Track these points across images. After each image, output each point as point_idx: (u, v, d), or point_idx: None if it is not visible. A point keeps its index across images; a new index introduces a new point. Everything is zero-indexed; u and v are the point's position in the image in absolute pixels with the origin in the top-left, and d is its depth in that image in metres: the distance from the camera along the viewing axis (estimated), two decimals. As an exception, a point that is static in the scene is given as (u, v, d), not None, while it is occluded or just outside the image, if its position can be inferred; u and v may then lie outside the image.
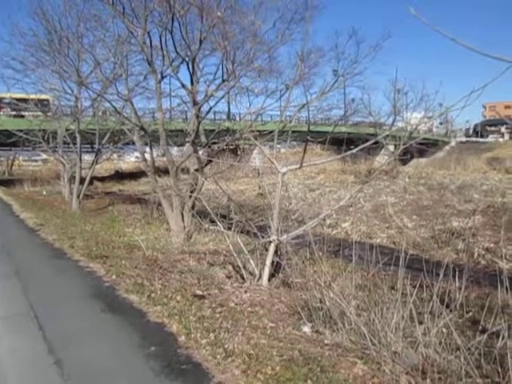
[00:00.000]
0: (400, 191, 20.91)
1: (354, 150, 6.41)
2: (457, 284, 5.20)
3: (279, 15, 9.65)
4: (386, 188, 21.51)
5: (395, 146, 29.51)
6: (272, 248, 6.73)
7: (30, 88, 18.73)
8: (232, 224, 8.14)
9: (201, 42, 8.88)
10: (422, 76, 56.14)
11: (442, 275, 4.66)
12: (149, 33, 9.49)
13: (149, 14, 9.33)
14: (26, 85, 18.42)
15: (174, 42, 9.24)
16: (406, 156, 29.50)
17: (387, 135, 28.84)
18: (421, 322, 4.24)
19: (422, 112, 32.79)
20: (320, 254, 7.08)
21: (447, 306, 4.58)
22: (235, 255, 7.26)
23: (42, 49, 13.91)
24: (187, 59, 9.39)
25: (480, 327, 4.23)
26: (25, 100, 22.35)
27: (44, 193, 25.61)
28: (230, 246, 7.56)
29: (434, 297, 4.35)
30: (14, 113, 28.15)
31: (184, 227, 10.41)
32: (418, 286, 4.74)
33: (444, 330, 4.20)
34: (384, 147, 33.84)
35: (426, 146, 40.37)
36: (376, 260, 6.67)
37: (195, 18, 9.28)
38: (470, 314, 5.31)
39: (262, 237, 7.08)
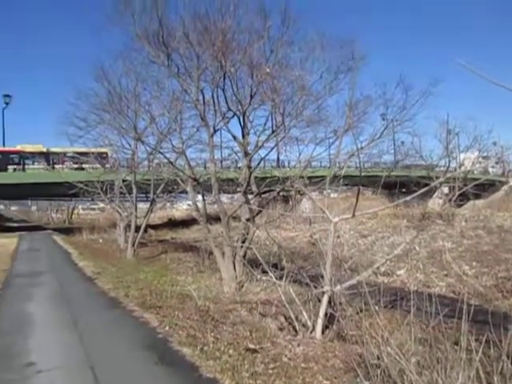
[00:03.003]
0: (457, 236, 19.92)
1: (408, 198, 6.29)
2: (529, 340, 4.81)
3: (326, 67, 9.89)
4: (442, 232, 20.57)
5: (449, 188, 28.50)
6: (325, 299, 6.58)
7: (90, 143, 20.13)
8: (283, 273, 8.06)
9: (251, 97, 9.26)
10: (473, 116, 54.45)
11: (511, 330, 4.32)
12: (202, 90, 10.06)
13: (201, 72, 9.92)
14: (88, 140, 19.82)
15: (225, 97, 9.71)
16: (462, 200, 28.34)
17: (440, 177, 27.97)
18: (490, 384, 3.93)
19: (475, 152, 31.74)
20: (375, 305, 6.84)
21: (519, 366, 4.23)
22: (287, 306, 7.14)
23: (103, 108, 15.04)
24: (238, 113, 9.79)
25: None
26: (85, 153, 23.97)
27: (100, 241, 26.71)
28: (282, 296, 7.47)
29: (504, 356, 4.03)
30: (75, 166, 30.16)
31: (235, 276, 10.43)
32: (484, 341, 4.42)
33: (517, 393, 3.87)
34: (437, 190, 32.79)
35: (483, 187, 38.63)
36: (436, 311, 6.34)
37: (245, 75, 9.75)
38: (547, 375, 4.85)
39: (315, 287, 6.96)
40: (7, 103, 37.16)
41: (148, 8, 10.23)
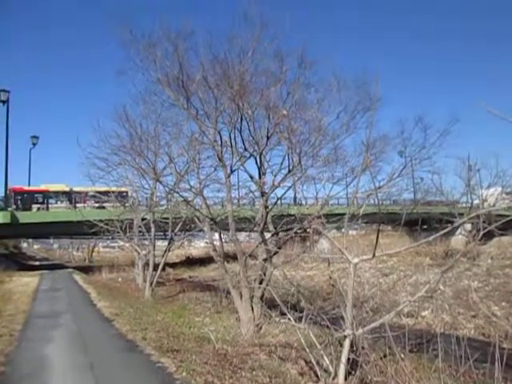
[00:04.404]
0: (483, 274, 19.33)
1: (431, 238, 6.11)
2: None
3: (342, 107, 10.00)
4: (467, 271, 19.99)
5: (472, 224, 27.87)
6: (347, 343, 6.34)
7: (111, 183, 20.52)
8: (302, 315, 7.85)
9: (268, 138, 9.38)
10: (495, 152, 53.67)
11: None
12: (219, 131, 10.25)
13: (219, 114, 10.15)
14: (108, 181, 20.26)
15: (242, 138, 9.89)
16: (486, 237, 27.60)
17: (462, 214, 27.50)
18: None
19: (498, 188, 31.18)
20: (400, 350, 6.57)
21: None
22: (307, 350, 6.91)
23: (124, 150, 15.44)
24: (255, 154, 9.90)
25: None
26: (107, 192, 24.41)
27: (119, 280, 26.65)
28: (302, 339, 7.25)
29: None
30: (97, 205, 30.66)
31: (253, 318, 10.21)
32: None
33: None
34: (460, 226, 32.05)
35: (508, 224, 37.63)
36: (465, 356, 6.05)
37: (262, 117, 9.92)
38: None
39: (336, 330, 6.74)
40: (34, 144, 38.51)
41: (169, 53, 10.65)
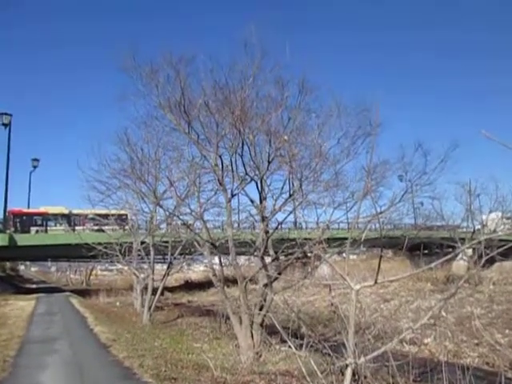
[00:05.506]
0: (485, 300, 19.08)
1: (433, 264, 6.05)
2: None
3: (343, 132, 10.07)
4: (469, 297, 19.74)
5: (473, 249, 27.72)
6: (349, 372, 6.18)
7: (111, 206, 20.50)
8: (303, 342, 7.70)
9: (269, 162, 9.43)
10: (494, 177, 53.44)
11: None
12: (220, 156, 10.31)
13: (220, 139, 10.23)
14: (108, 204, 20.26)
15: (243, 163, 9.94)
16: (486, 261, 27.41)
17: (463, 239, 27.38)
18: None
19: (498, 214, 31.13)
20: (404, 380, 6.43)
21: None
22: (308, 379, 6.75)
23: (124, 174, 15.50)
24: (256, 178, 9.93)
25: None
26: (106, 215, 24.36)
27: (117, 304, 26.35)
28: (302, 367, 7.08)
29: None
30: (96, 227, 30.54)
31: (253, 345, 10.02)
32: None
33: None
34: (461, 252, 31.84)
35: (510, 249, 37.39)
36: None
37: (263, 142, 10.00)
38: None
39: (337, 357, 6.60)
40: (35, 167, 38.67)
41: (171, 79, 10.82)
